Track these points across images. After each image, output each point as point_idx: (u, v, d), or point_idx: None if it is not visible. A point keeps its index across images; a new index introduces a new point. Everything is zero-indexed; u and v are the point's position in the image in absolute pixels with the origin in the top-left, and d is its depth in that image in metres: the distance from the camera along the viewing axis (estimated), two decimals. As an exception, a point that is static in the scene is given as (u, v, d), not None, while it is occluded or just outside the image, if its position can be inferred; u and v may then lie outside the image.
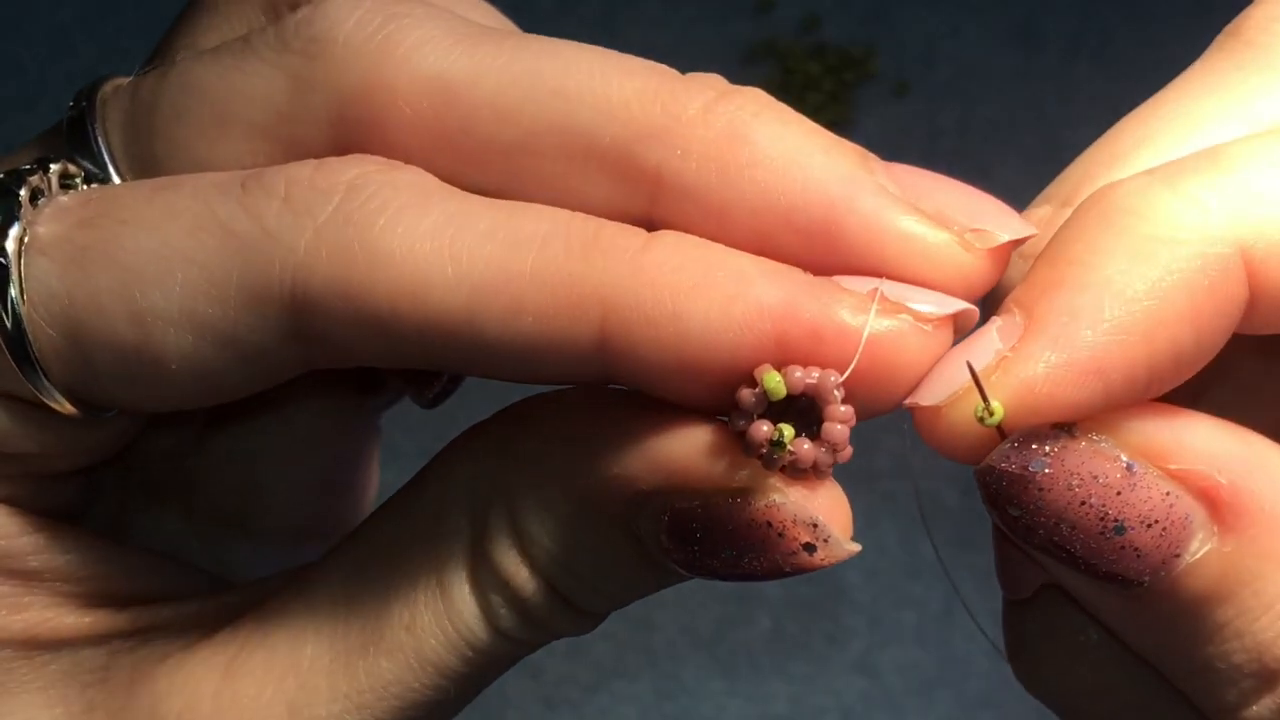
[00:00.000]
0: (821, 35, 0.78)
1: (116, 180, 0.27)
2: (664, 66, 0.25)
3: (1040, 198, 0.27)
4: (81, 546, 0.28)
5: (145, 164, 0.27)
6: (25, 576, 0.27)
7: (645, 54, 0.26)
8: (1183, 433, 0.23)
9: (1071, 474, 0.23)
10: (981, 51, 0.78)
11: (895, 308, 0.23)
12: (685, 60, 0.26)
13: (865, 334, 0.23)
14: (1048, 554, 0.23)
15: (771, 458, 0.23)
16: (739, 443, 0.23)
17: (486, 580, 0.26)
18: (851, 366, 0.23)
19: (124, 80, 0.29)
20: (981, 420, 0.23)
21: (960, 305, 0.23)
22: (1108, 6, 0.78)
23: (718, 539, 0.24)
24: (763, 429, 0.23)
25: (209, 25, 0.29)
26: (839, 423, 0.23)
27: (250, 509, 0.34)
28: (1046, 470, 0.23)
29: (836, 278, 0.23)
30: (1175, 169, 0.23)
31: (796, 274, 0.23)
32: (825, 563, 0.24)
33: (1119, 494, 0.22)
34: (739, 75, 0.27)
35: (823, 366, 0.23)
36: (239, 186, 0.24)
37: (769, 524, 0.24)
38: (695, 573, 0.25)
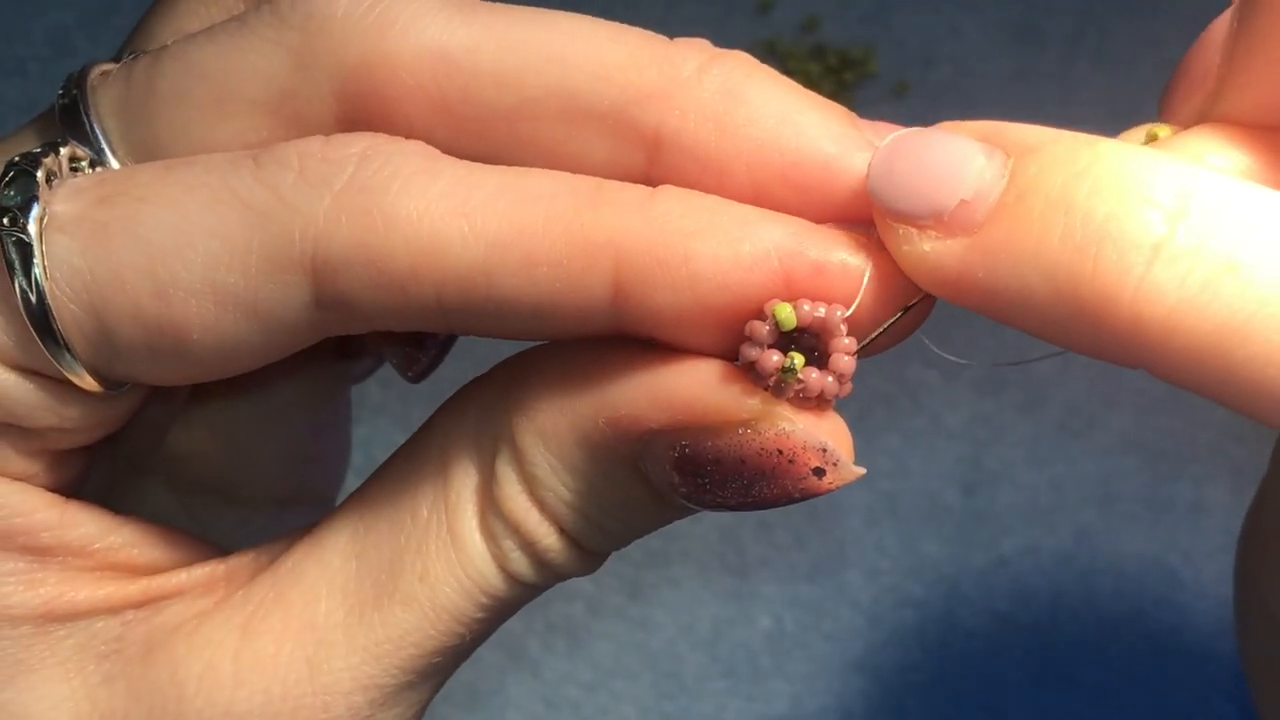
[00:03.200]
0: (821, 35, 0.78)
1: (115, 165, 0.28)
2: (651, 33, 0.26)
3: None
4: (91, 520, 0.28)
5: (145, 147, 0.28)
6: (40, 552, 0.28)
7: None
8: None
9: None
10: (981, 51, 0.78)
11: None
12: (685, 60, 0.26)
13: (867, 274, 0.24)
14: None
15: (782, 385, 0.24)
16: (749, 373, 0.24)
17: (497, 526, 0.27)
18: (856, 302, 0.24)
19: (109, 66, 0.29)
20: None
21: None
22: (1108, 6, 0.78)
23: (727, 470, 0.25)
24: (774, 358, 0.24)
25: (191, 12, 0.30)
26: (845, 354, 0.24)
27: (233, 478, 0.35)
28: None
29: (832, 224, 0.25)
30: None
31: (796, 219, 0.25)
32: (833, 486, 0.25)
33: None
34: (739, 75, 0.27)
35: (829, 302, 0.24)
36: (251, 161, 0.25)
37: (780, 451, 0.25)
38: (703, 505, 0.26)
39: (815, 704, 0.70)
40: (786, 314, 0.24)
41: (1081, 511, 0.73)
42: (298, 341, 0.26)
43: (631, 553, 0.71)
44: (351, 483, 0.40)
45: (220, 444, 0.34)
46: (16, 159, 0.26)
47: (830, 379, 0.25)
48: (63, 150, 0.27)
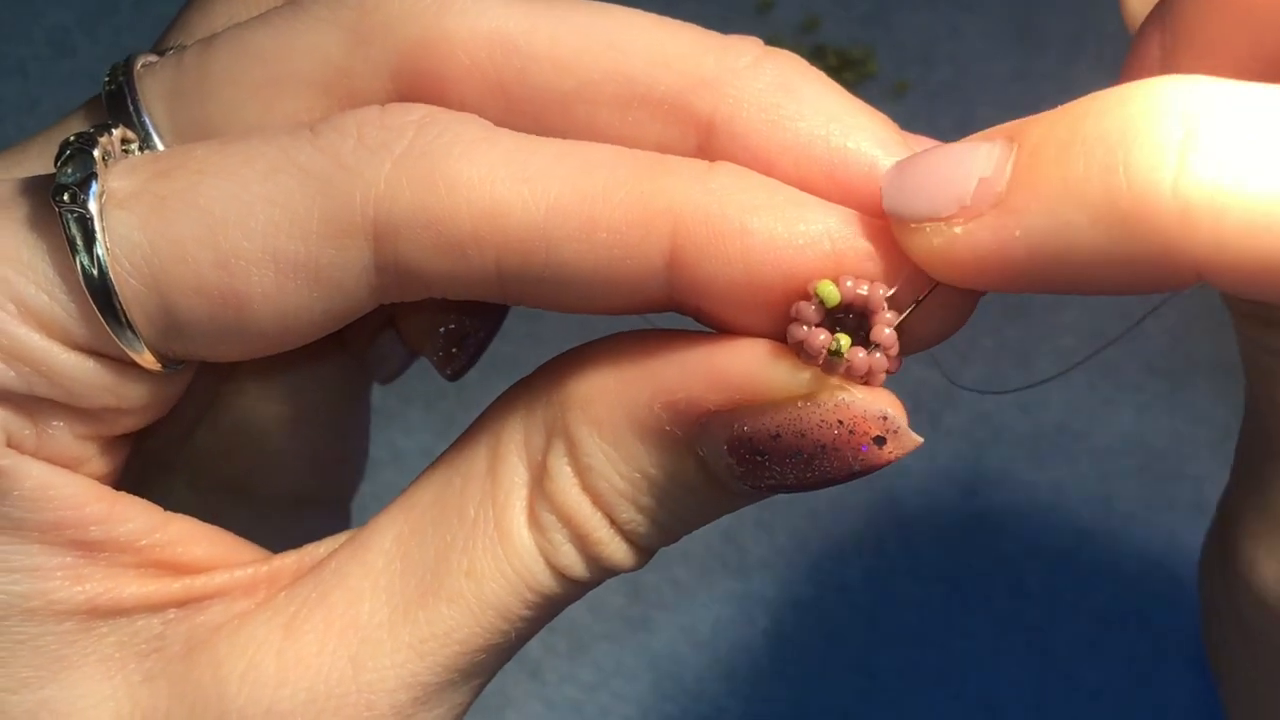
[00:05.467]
0: (821, 35, 0.78)
1: (161, 149, 0.28)
2: (709, 30, 0.27)
3: None
4: (140, 515, 0.28)
5: (196, 129, 0.28)
6: (87, 547, 0.28)
7: (645, 54, 0.27)
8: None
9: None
10: (981, 51, 0.78)
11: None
12: (685, 61, 0.27)
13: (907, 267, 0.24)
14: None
15: (831, 364, 0.25)
16: (798, 353, 0.25)
17: (547, 520, 0.27)
18: (897, 285, 0.25)
19: (153, 58, 0.29)
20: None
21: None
22: (1108, 6, 0.78)
23: (787, 446, 0.25)
24: (820, 336, 0.24)
25: (229, 5, 0.30)
26: (888, 326, 0.25)
27: (255, 478, 0.35)
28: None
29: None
30: None
31: (850, 210, 0.25)
32: (893, 456, 0.25)
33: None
34: (739, 75, 0.28)
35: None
36: (309, 131, 0.25)
37: (840, 422, 0.25)
38: (763, 486, 0.26)
39: (815, 704, 0.70)
40: (830, 290, 0.24)
41: (1081, 511, 0.73)
42: (355, 310, 0.26)
43: (631, 553, 0.71)
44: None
45: (244, 444, 0.34)
46: (73, 138, 0.26)
47: (878, 354, 0.25)
48: (115, 131, 0.27)
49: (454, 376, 0.34)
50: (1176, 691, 0.71)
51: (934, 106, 0.77)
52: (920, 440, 0.26)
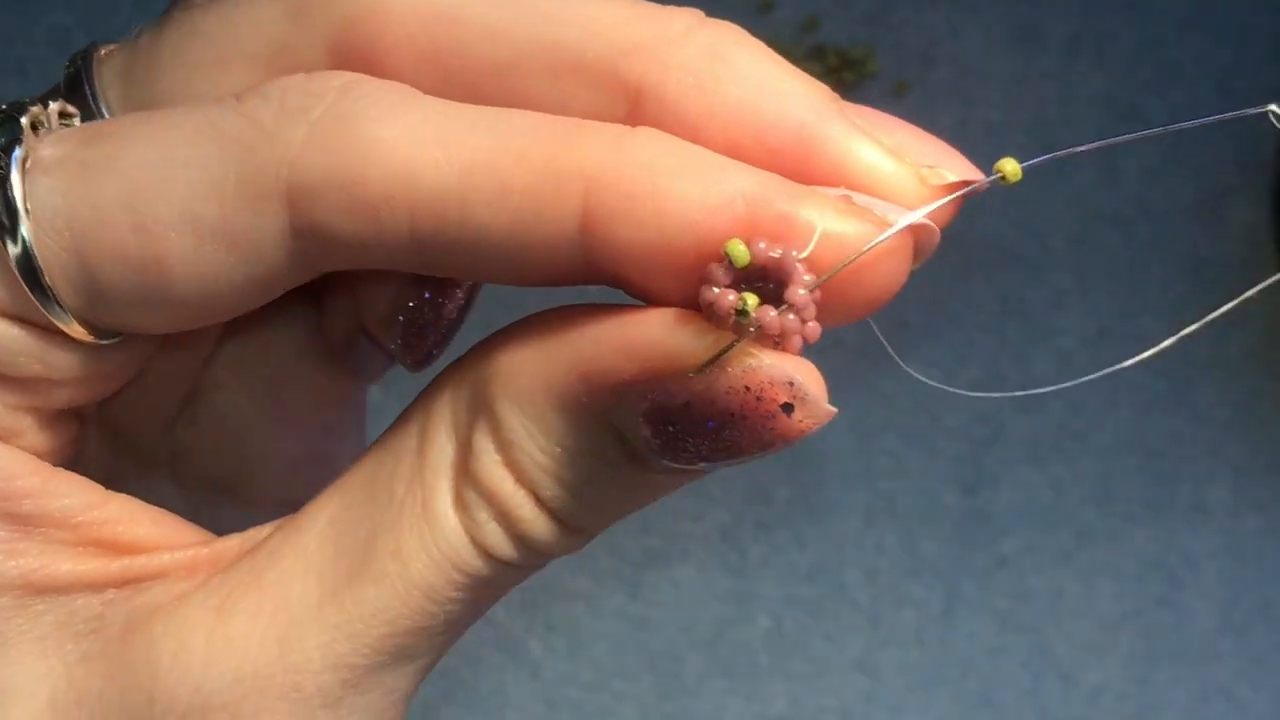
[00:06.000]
0: (821, 35, 0.78)
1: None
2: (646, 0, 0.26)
3: None
4: (77, 491, 0.28)
5: (145, 107, 0.28)
6: (20, 521, 0.28)
7: (645, 53, 0.27)
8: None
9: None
10: (981, 51, 0.78)
11: (862, 210, 0.24)
12: (685, 60, 0.27)
13: (820, 225, 0.24)
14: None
15: (740, 328, 0.24)
16: (710, 316, 0.24)
17: (471, 497, 0.26)
18: (812, 245, 0.24)
19: (115, 46, 0.30)
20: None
21: (921, 218, 0.25)
22: (1108, 6, 0.78)
23: (696, 414, 0.24)
24: (729, 296, 0.24)
25: None
26: (801, 288, 0.24)
27: (240, 478, 0.35)
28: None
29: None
30: None
31: (769, 173, 0.24)
32: (805, 426, 0.24)
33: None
34: (739, 75, 0.28)
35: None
36: (234, 99, 0.26)
37: (746, 387, 0.24)
38: (678, 460, 0.25)
39: (815, 704, 0.70)
40: (740, 251, 0.23)
41: (1081, 511, 0.73)
42: (281, 278, 0.26)
43: (631, 553, 0.71)
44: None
45: (228, 443, 0.34)
46: (4, 107, 0.27)
47: (791, 317, 0.24)
48: (52, 104, 0.27)
49: (416, 366, 0.33)
50: (1177, 692, 0.71)
51: (934, 106, 0.77)
52: (833, 410, 0.24)
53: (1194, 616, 0.72)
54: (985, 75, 0.78)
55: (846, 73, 0.77)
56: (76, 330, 0.26)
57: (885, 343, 0.29)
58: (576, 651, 0.69)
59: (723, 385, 0.24)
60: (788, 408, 0.24)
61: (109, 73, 0.28)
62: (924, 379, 0.29)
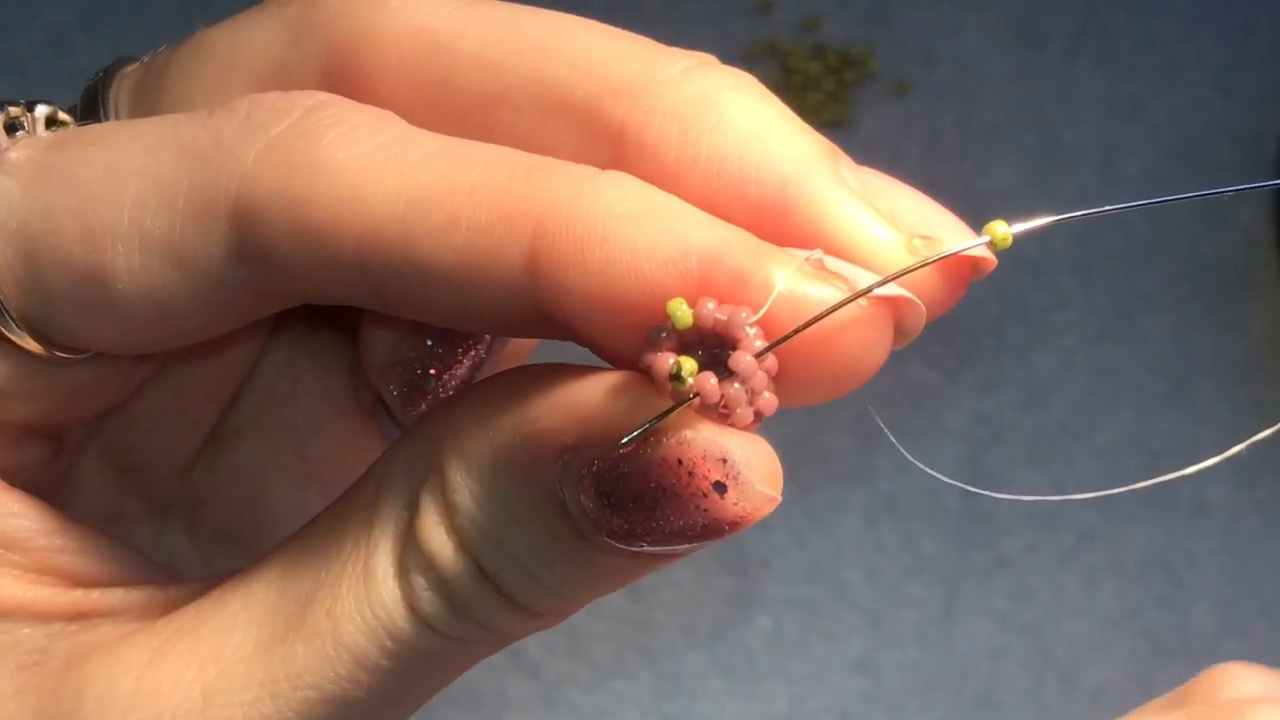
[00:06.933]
0: (821, 35, 0.78)
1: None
2: (652, 40, 0.25)
3: None
4: (32, 515, 0.27)
5: None
6: None
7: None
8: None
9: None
10: (981, 51, 0.78)
11: (832, 276, 0.22)
12: (685, 59, 0.26)
13: (778, 286, 0.22)
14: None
15: (676, 393, 0.22)
16: (648, 379, 0.22)
17: (412, 560, 0.24)
18: (765, 307, 0.22)
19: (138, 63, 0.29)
20: None
21: (902, 293, 0.22)
22: (1108, 6, 0.78)
23: (632, 487, 0.22)
24: (669, 361, 0.22)
25: None
26: (749, 353, 0.22)
27: (257, 531, 0.33)
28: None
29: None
30: None
31: (737, 228, 0.23)
32: (740, 510, 0.22)
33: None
34: (739, 75, 0.27)
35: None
36: (206, 111, 0.24)
37: (679, 461, 0.22)
38: (613, 534, 0.23)
39: (815, 704, 0.70)
40: (682, 312, 0.21)
41: (1081, 511, 0.73)
42: (233, 306, 0.25)
43: (631, 553, 0.71)
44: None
45: (246, 491, 0.32)
46: None
47: (736, 386, 0.22)
48: (40, 108, 0.27)
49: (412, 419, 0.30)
50: (1176, 691, 0.71)
51: (934, 106, 0.77)
52: (773, 497, 0.22)
53: (1194, 616, 0.72)
54: (985, 75, 0.77)
55: (846, 72, 0.77)
56: (29, 343, 0.25)
57: (884, 427, 0.27)
58: (576, 652, 0.69)
59: (656, 457, 0.22)
60: (719, 487, 0.22)
61: (126, 86, 0.28)
62: (937, 474, 0.27)
